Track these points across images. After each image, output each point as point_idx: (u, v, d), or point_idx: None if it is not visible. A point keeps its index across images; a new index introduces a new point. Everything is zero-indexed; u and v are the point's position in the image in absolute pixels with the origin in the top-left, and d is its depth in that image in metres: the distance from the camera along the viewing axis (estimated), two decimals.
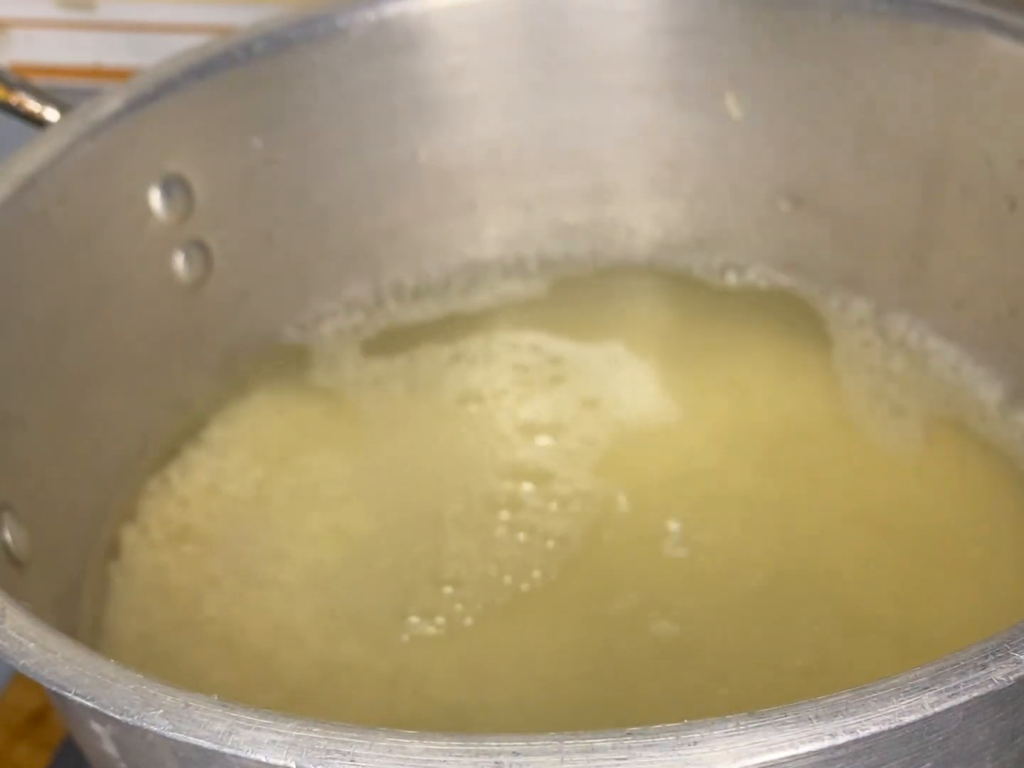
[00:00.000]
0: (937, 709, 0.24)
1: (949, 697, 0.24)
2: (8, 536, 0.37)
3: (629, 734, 0.23)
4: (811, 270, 0.51)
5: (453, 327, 0.51)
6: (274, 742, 0.24)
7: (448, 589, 0.42)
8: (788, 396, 0.47)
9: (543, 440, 0.46)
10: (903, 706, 0.24)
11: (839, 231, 0.50)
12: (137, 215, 0.45)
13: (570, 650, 0.40)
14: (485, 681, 0.39)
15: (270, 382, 0.49)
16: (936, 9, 0.44)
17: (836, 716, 0.24)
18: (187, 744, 0.25)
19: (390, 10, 0.48)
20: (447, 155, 0.51)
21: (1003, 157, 0.44)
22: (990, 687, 0.24)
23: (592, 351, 0.50)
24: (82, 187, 0.43)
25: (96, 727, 0.29)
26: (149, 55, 0.51)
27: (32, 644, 0.27)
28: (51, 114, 0.44)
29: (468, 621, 0.41)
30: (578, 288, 0.52)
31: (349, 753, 0.24)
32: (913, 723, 0.24)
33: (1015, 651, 0.25)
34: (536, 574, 0.42)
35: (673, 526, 0.43)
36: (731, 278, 0.51)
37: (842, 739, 0.24)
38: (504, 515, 0.44)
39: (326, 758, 0.24)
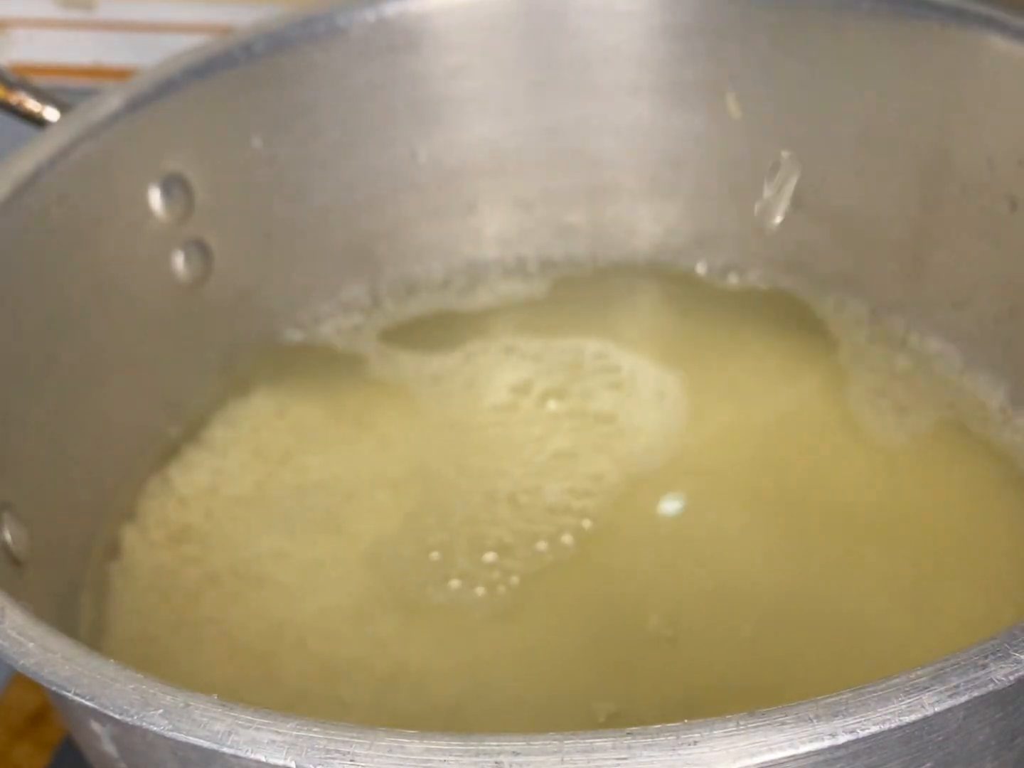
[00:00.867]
0: (937, 709, 0.24)
1: (949, 697, 0.24)
2: (8, 536, 0.37)
3: (629, 734, 0.23)
4: (811, 270, 0.51)
5: (453, 326, 0.51)
6: (274, 742, 0.24)
7: (455, 584, 0.42)
8: (788, 396, 0.47)
9: (544, 437, 0.46)
10: (903, 706, 0.24)
11: (839, 231, 0.50)
12: (137, 215, 0.45)
13: (571, 641, 0.40)
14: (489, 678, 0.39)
15: (270, 382, 0.49)
16: (936, 9, 0.44)
17: (836, 716, 0.24)
18: (187, 744, 0.25)
19: (390, 10, 0.48)
20: (447, 155, 0.51)
21: (1003, 157, 0.44)
22: (990, 687, 0.24)
23: (592, 351, 0.50)
24: (82, 187, 0.43)
25: (96, 727, 0.29)
26: (149, 55, 0.51)
27: (32, 644, 0.27)
28: (51, 114, 0.44)
29: (471, 621, 0.41)
30: (578, 288, 0.52)
31: (349, 753, 0.24)
32: (913, 723, 0.24)
33: (1015, 651, 0.25)
34: (532, 571, 0.42)
35: (672, 523, 0.43)
36: (731, 278, 0.51)
37: (842, 739, 0.24)
38: (504, 512, 0.44)
39: (326, 758, 0.24)
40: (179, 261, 0.47)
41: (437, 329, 0.51)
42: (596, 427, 0.47)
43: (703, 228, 0.52)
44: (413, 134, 0.50)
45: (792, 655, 0.39)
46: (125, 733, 0.29)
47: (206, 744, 0.24)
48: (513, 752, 0.23)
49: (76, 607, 0.41)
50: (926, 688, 0.24)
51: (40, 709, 0.49)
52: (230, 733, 0.24)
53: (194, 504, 0.45)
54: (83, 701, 0.26)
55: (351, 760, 0.24)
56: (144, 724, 0.25)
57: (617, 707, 0.38)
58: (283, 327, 0.50)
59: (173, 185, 0.46)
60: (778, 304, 0.50)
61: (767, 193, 0.42)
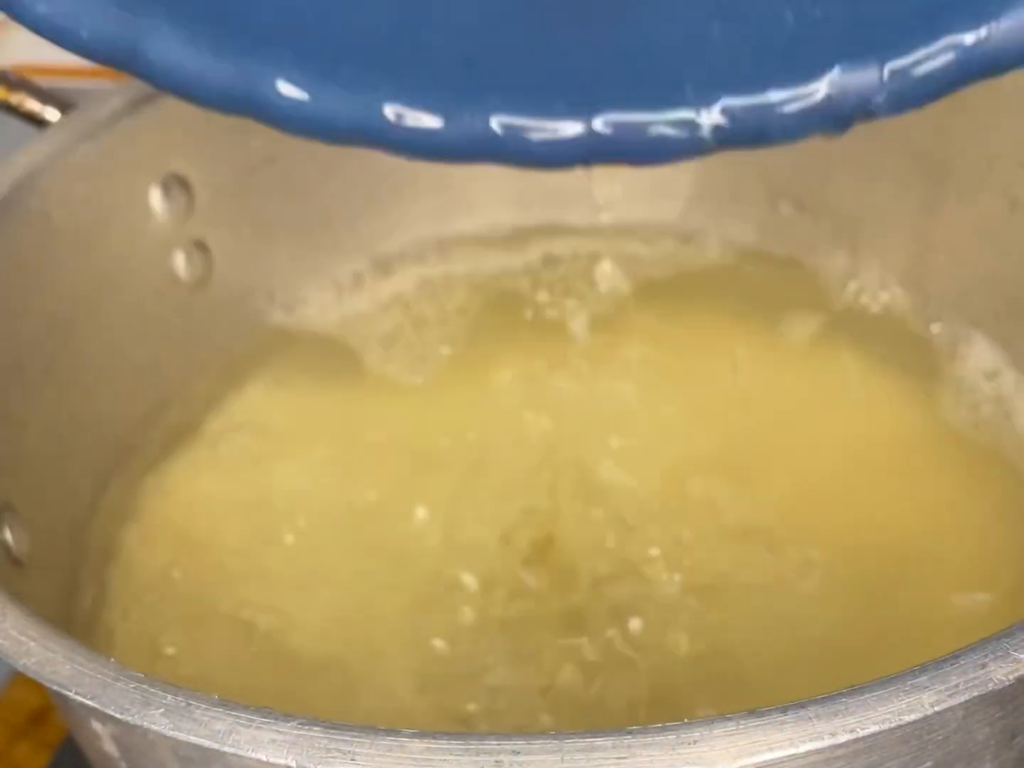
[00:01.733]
0: (937, 708, 0.24)
1: (949, 696, 0.24)
2: (8, 536, 0.37)
3: (629, 733, 0.23)
4: (810, 270, 0.51)
5: (454, 325, 0.51)
6: (274, 741, 0.24)
7: (461, 580, 0.42)
8: (786, 393, 0.47)
9: (546, 436, 0.46)
10: (903, 705, 0.24)
11: (839, 231, 0.50)
12: (137, 215, 0.45)
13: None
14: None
15: (271, 381, 0.49)
16: None
17: (836, 715, 0.24)
18: (188, 743, 0.25)
19: None
20: None
21: (1003, 157, 0.44)
22: (990, 686, 0.24)
23: (592, 350, 0.50)
24: (82, 187, 0.43)
25: (97, 726, 0.29)
26: None
27: (33, 644, 0.27)
28: (52, 114, 0.44)
29: (477, 616, 0.41)
30: (578, 287, 0.52)
31: (349, 752, 0.24)
32: (913, 722, 0.24)
33: (1015, 650, 0.25)
34: (529, 569, 0.42)
35: (672, 523, 0.43)
36: (731, 278, 0.51)
37: (842, 738, 0.24)
38: (506, 509, 0.44)
39: (326, 757, 0.24)
40: (179, 261, 0.47)
41: (437, 328, 0.51)
42: (594, 422, 0.47)
43: (703, 228, 0.52)
44: None
45: (791, 653, 0.39)
46: (126, 732, 0.29)
47: (207, 743, 0.24)
48: (513, 751, 0.23)
49: (77, 607, 0.41)
50: (926, 687, 0.24)
51: (40, 709, 0.49)
52: (231, 732, 0.24)
53: (194, 503, 0.45)
54: (84, 701, 0.26)
55: (352, 759, 0.24)
56: (145, 723, 0.25)
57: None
58: (283, 327, 0.50)
59: (173, 185, 0.46)
60: (778, 303, 0.50)
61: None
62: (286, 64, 0.29)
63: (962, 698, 0.24)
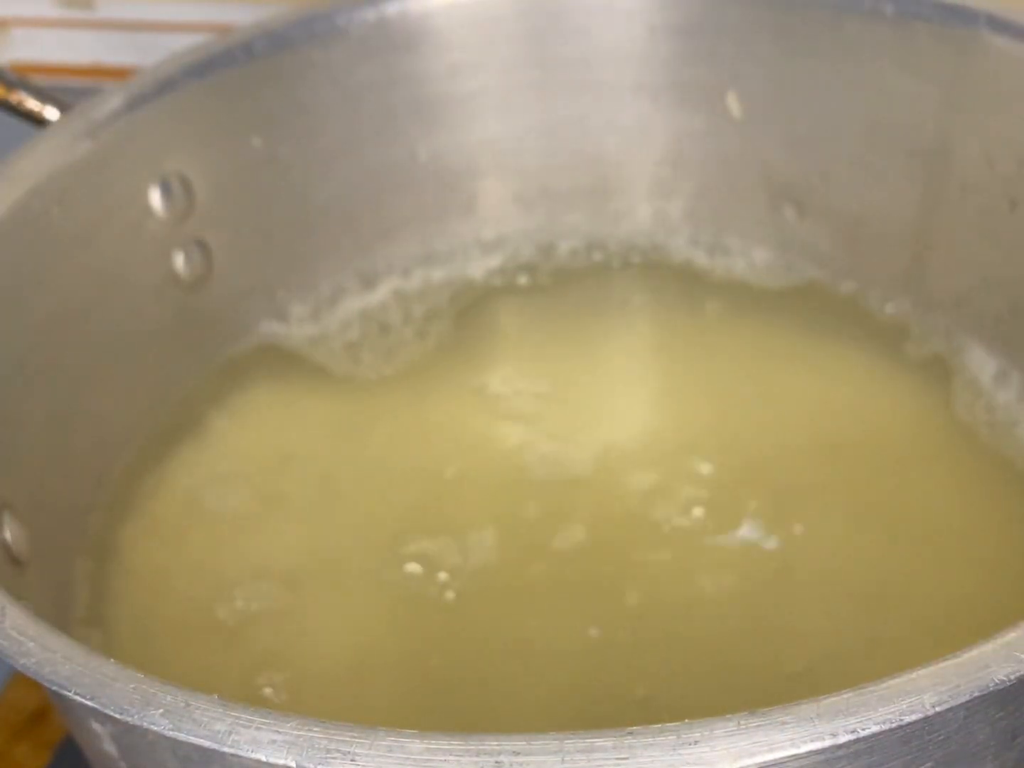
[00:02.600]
0: (938, 709, 0.24)
1: (950, 697, 0.24)
2: (8, 535, 0.37)
3: (630, 733, 0.23)
4: (811, 269, 0.51)
5: (453, 325, 0.51)
6: (274, 741, 0.24)
7: (472, 581, 0.42)
8: (784, 392, 0.47)
9: (548, 433, 0.46)
10: (904, 705, 0.24)
11: (839, 230, 0.50)
12: (137, 214, 0.45)
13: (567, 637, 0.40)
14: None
15: (270, 380, 0.49)
16: (937, 8, 0.44)
17: (837, 715, 0.24)
18: (187, 743, 0.25)
19: (390, 9, 0.48)
20: (447, 154, 0.51)
21: (1003, 157, 0.44)
22: (991, 687, 0.24)
23: (592, 350, 0.50)
24: (82, 186, 0.43)
25: (96, 727, 0.29)
26: (149, 54, 0.51)
27: (32, 643, 0.27)
28: (51, 113, 0.44)
29: (479, 605, 0.41)
30: (578, 287, 0.52)
31: (349, 752, 0.24)
32: (914, 723, 0.24)
33: (1016, 651, 0.25)
34: (537, 567, 0.42)
35: (669, 516, 0.43)
36: (731, 277, 0.51)
37: (843, 738, 0.24)
38: (511, 504, 0.44)
39: (326, 757, 0.24)
40: (179, 260, 0.47)
41: (438, 328, 0.51)
42: (594, 423, 0.47)
43: (703, 227, 0.52)
44: (413, 134, 0.50)
45: (788, 656, 0.39)
46: (125, 733, 0.29)
47: (207, 744, 0.24)
48: (513, 752, 0.23)
49: (76, 606, 0.41)
50: (927, 688, 0.24)
51: (40, 709, 0.48)
52: (231, 733, 0.24)
53: (194, 503, 0.45)
54: (83, 701, 0.26)
55: (352, 760, 0.24)
56: (145, 724, 0.25)
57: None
58: (283, 326, 0.50)
59: (173, 184, 0.46)
60: (777, 302, 0.50)
61: None
62: None
63: (963, 698, 0.24)
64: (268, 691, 0.39)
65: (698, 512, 0.43)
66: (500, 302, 0.52)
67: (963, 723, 0.26)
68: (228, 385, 0.48)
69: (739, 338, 0.49)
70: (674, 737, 0.23)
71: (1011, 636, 0.25)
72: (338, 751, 0.24)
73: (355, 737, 0.24)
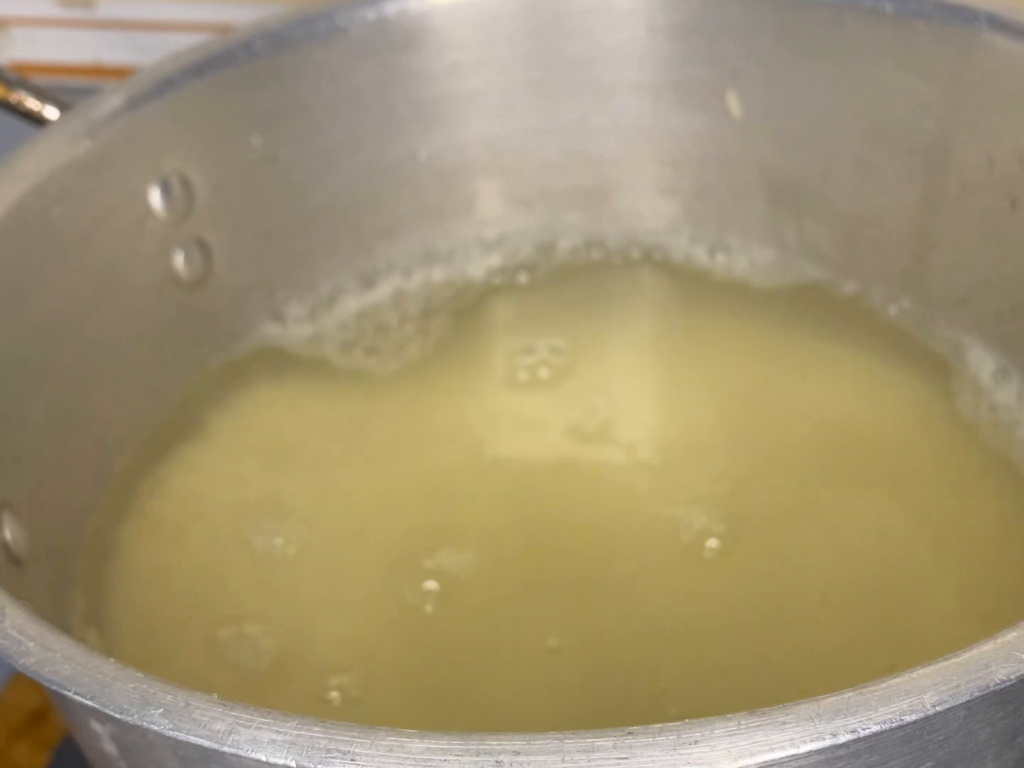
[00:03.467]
0: (939, 708, 0.24)
1: (951, 696, 0.24)
2: (8, 535, 0.37)
3: (630, 733, 0.23)
4: (811, 269, 0.51)
5: (453, 324, 0.51)
6: (274, 741, 0.24)
7: (476, 583, 0.42)
8: (785, 391, 0.47)
9: (549, 432, 0.46)
10: (904, 705, 0.24)
11: (839, 230, 0.50)
12: (137, 213, 0.45)
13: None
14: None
15: (271, 380, 0.49)
16: (937, 7, 0.44)
17: (837, 715, 0.24)
18: (187, 743, 0.25)
19: (390, 8, 0.48)
20: (447, 153, 0.51)
21: (1004, 156, 0.44)
22: (992, 686, 0.24)
23: (592, 349, 0.50)
24: (82, 185, 0.43)
25: (96, 726, 0.29)
26: (149, 53, 0.51)
27: (32, 643, 0.27)
28: (51, 112, 0.44)
29: (480, 605, 0.41)
30: (578, 286, 0.52)
31: (349, 752, 0.24)
32: (914, 722, 0.24)
33: (1016, 650, 0.25)
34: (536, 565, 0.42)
35: (669, 516, 0.43)
36: (731, 277, 0.51)
37: (843, 738, 0.24)
38: (511, 503, 0.44)
39: (326, 757, 0.24)
40: (179, 259, 0.47)
41: (438, 327, 0.51)
42: (593, 421, 0.47)
43: (703, 227, 0.52)
44: (413, 133, 0.50)
45: (786, 656, 0.39)
46: (125, 732, 0.29)
47: (206, 743, 0.24)
48: (514, 751, 0.23)
49: (76, 606, 0.41)
50: (928, 687, 0.24)
51: (40, 708, 0.48)
52: (230, 732, 0.24)
53: (194, 502, 0.45)
54: (83, 700, 0.26)
55: (352, 759, 0.24)
56: (144, 723, 0.25)
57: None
58: (283, 325, 0.50)
59: (173, 184, 0.46)
60: (777, 302, 0.50)
61: None
62: None
63: (964, 698, 0.24)
64: (272, 687, 0.39)
65: (698, 512, 0.43)
66: (500, 301, 0.52)
67: (963, 723, 0.26)
68: (228, 385, 0.48)
69: (739, 338, 0.49)
70: (674, 737, 0.23)
71: (1011, 636, 0.25)
72: (338, 751, 0.24)
73: (355, 737, 0.24)
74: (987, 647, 0.25)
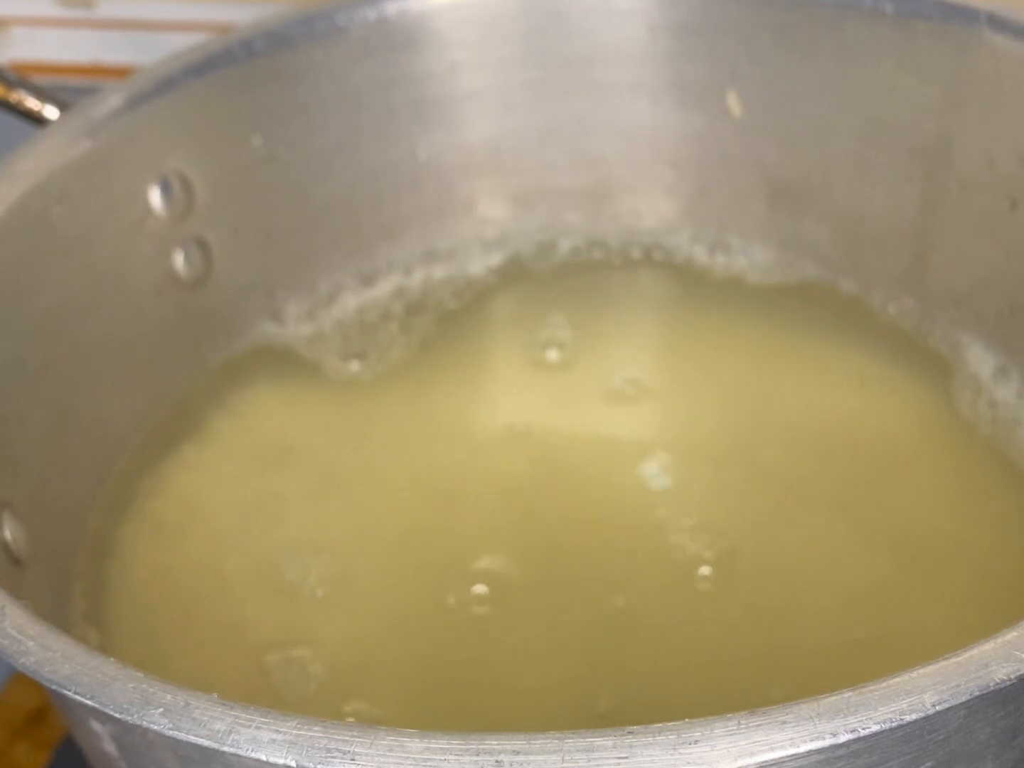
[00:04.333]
0: (939, 708, 0.24)
1: (951, 696, 0.24)
2: (8, 534, 0.37)
3: (630, 733, 0.23)
4: (811, 268, 0.51)
5: (453, 324, 0.51)
6: (274, 741, 0.24)
7: (479, 588, 0.42)
8: (784, 390, 0.47)
9: (548, 431, 0.46)
10: (904, 705, 0.24)
11: (839, 229, 0.50)
12: (137, 213, 0.45)
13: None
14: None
15: (270, 379, 0.49)
16: (937, 6, 0.44)
17: (837, 715, 0.24)
18: (187, 743, 0.25)
19: (390, 8, 0.48)
20: (447, 153, 0.51)
21: (1003, 155, 0.44)
22: (992, 686, 0.24)
23: (592, 349, 0.50)
24: (82, 185, 0.43)
25: (96, 726, 0.29)
26: (149, 53, 0.51)
27: (32, 643, 0.27)
28: (51, 112, 0.44)
29: (494, 607, 0.41)
30: (578, 286, 0.52)
31: (349, 752, 0.24)
32: (914, 722, 0.24)
33: (1016, 650, 0.25)
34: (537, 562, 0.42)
35: (668, 516, 0.43)
36: (731, 276, 0.51)
37: (843, 738, 0.24)
38: (509, 504, 0.44)
39: (326, 757, 0.24)
40: (179, 259, 0.47)
41: (438, 327, 0.51)
42: (593, 421, 0.47)
43: (703, 226, 0.52)
44: (413, 133, 0.50)
45: (784, 656, 0.39)
46: (125, 732, 0.29)
47: (206, 743, 0.24)
48: (514, 751, 0.23)
49: (75, 606, 0.41)
50: (927, 687, 0.24)
51: (40, 708, 0.48)
52: (230, 732, 0.24)
53: (194, 502, 0.45)
54: (83, 700, 0.26)
55: (352, 759, 0.24)
56: (144, 723, 0.25)
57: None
58: (283, 325, 0.50)
59: (173, 183, 0.46)
60: (777, 302, 0.50)
61: None
62: None
63: (964, 698, 0.24)
64: (269, 686, 0.39)
65: (697, 511, 0.43)
66: (500, 301, 0.52)
67: (963, 722, 0.26)
68: (227, 385, 0.48)
69: (739, 337, 0.49)
70: (674, 737, 0.23)
71: (1011, 636, 0.25)
72: (338, 750, 0.24)
73: (355, 736, 0.24)
74: (987, 647, 0.25)
